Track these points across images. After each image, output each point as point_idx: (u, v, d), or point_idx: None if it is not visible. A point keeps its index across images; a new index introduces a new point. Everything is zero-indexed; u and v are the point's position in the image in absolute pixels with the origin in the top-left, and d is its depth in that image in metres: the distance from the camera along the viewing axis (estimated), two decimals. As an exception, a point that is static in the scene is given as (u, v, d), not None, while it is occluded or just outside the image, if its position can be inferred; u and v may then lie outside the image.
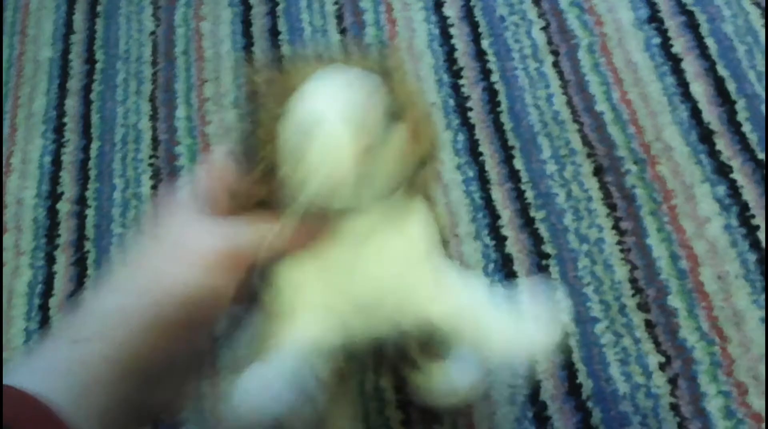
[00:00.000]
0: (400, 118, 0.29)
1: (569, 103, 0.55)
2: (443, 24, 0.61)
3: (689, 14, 0.56)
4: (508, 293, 0.33)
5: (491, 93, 0.57)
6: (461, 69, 0.58)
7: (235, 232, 0.30)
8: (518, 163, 0.53)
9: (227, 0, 0.68)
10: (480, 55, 0.59)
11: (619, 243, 0.49)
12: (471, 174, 0.54)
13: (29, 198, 0.61)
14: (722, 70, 0.53)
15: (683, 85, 0.53)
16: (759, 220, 0.48)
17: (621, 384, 0.45)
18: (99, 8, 0.71)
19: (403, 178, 0.30)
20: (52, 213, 0.60)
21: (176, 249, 0.30)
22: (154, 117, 0.63)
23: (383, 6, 0.63)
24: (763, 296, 0.46)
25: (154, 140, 0.62)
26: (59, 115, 0.65)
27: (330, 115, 0.27)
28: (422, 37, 0.61)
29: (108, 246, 0.58)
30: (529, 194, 0.52)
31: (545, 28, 0.58)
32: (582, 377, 0.46)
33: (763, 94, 0.52)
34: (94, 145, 0.63)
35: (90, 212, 0.60)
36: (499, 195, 0.52)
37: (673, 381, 0.45)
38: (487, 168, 0.54)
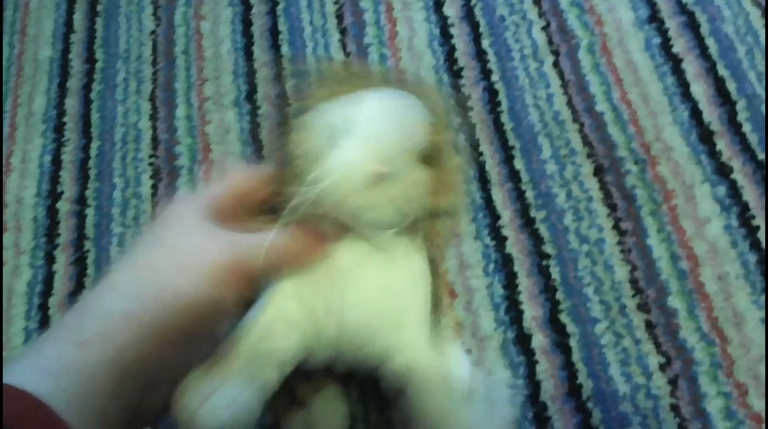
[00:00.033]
0: (430, 163, 0.28)
1: (569, 103, 0.55)
2: (443, 24, 0.61)
3: (689, 14, 0.56)
4: (474, 371, 0.32)
5: (491, 93, 0.57)
6: (461, 69, 0.58)
7: (239, 243, 0.30)
8: (518, 164, 0.53)
9: (227, 0, 0.68)
10: (480, 55, 0.59)
11: (619, 243, 0.49)
12: (471, 174, 0.54)
13: (29, 197, 0.61)
14: (722, 71, 0.53)
15: (683, 85, 0.53)
16: (759, 221, 0.48)
17: (621, 385, 0.45)
18: (99, 7, 0.71)
19: (409, 221, 0.30)
20: (52, 212, 0.60)
21: (180, 256, 0.30)
22: (154, 116, 0.63)
23: (383, 6, 0.63)
24: (764, 297, 0.46)
25: (154, 140, 0.62)
26: (59, 114, 0.65)
27: (361, 130, 0.27)
28: (422, 37, 0.61)
29: (108, 245, 0.57)
30: (530, 194, 0.52)
31: (545, 28, 0.58)
32: (582, 378, 0.46)
33: (763, 94, 0.52)
34: (94, 145, 0.63)
35: (90, 211, 0.59)
36: (500, 195, 0.52)
37: (673, 382, 0.45)
38: (487, 168, 0.54)
